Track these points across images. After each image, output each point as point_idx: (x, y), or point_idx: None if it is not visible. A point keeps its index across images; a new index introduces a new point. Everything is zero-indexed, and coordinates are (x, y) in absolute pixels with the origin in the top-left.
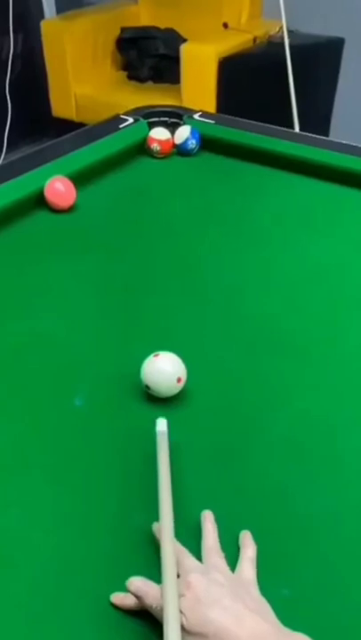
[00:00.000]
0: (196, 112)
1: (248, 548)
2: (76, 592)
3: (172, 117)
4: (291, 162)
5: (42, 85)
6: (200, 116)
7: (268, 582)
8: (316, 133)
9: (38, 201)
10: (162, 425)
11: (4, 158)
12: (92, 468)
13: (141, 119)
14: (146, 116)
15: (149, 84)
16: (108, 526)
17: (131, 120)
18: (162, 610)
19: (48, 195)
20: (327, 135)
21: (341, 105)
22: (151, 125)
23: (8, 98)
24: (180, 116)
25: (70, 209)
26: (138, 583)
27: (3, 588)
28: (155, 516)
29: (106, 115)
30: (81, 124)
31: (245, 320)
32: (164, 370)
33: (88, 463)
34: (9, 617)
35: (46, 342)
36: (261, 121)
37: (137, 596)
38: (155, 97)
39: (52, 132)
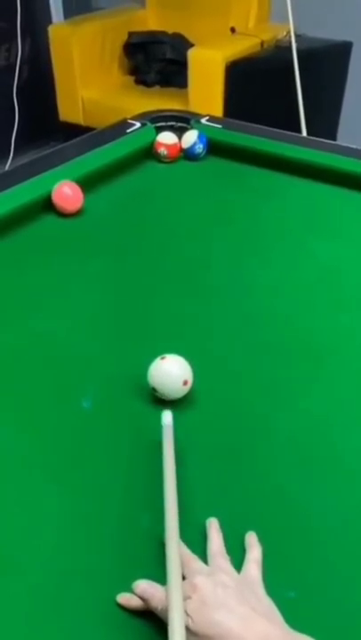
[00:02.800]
0: (203, 116)
1: (254, 549)
2: (81, 593)
3: (180, 122)
4: (298, 166)
5: (49, 90)
6: (207, 120)
7: (274, 585)
8: (324, 137)
9: (46, 205)
10: (167, 418)
11: (12, 162)
12: (97, 470)
13: (149, 124)
14: (153, 121)
15: (156, 88)
16: (113, 528)
17: (138, 124)
18: (167, 612)
19: (56, 199)
20: (335, 139)
21: (349, 109)
22: (158, 130)
23: (15, 102)
24: (187, 121)
25: (78, 213)
26: (144, 586)
27: (6, 588)
28: (161, 517)
29: (113, 119)
30: (88, 128)
31: (252, 322)
32: (171, 372)
33: (94, 465)
34: (11, 617)
35: (53, 343)
36: (269, 125)
37: (143, 599)
38: (162, 101)
39: (58, 136)
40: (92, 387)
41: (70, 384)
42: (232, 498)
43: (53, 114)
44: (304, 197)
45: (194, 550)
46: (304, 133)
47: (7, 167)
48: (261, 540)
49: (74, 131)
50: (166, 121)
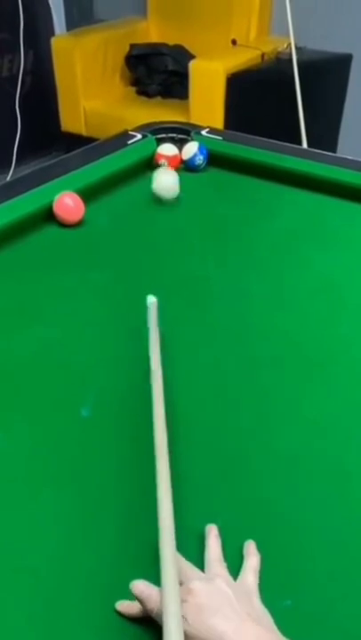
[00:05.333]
0: (203, 128)
1: (252, 557)
2: (79, 599)
3: (180, 133)
4: (298, 178)
5: (51, 100)
6: (208, 132)
7: (270, 593)
8: (324, 149)
9: (48, 216)
10: (151, 299)
11: (14, 172)
12: (96, 477)
13: (149, 135)
14: (154, 132)
15: (158, 99)
16: (110, 535)
17: (139, 136)
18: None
19: (57, 210)
20: (335, 151)
21: (349, 121)
22: (159, 141)
23: (18, 112)
24: (187, 132)
25: (79, 223)
26: (141, 586)
27: (6, 594)
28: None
29: (115, 129)
30: (90, 139)
31: (250, 333)
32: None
33: (93, 473)
34: (11, 623)
35: (53, 352)
36: (269, 137)
37: (139, 600)
38: (163, 112)
39: (60, 147)
40: (91, 396)
41: (70, 393)
42: (228, 506)
43: (55, 124)
44: (304, 209)
45: (190, 556)
46: (305, 145)
47: (9, 176)
48: (259, 549)
49: (76, 141)
50: (167, 132)
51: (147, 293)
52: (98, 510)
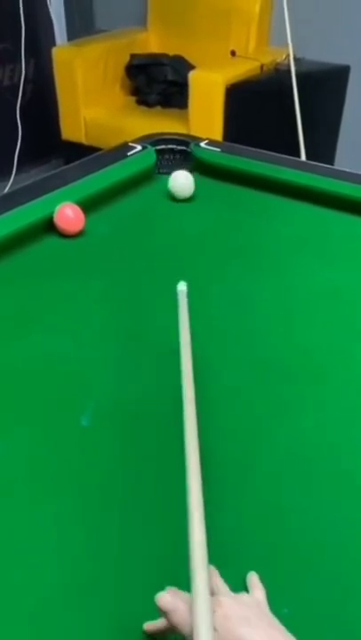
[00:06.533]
0: (202, 140)
1: (257, 590)
2: (84, 614)
3: (179, 145)
4: (296, 190)
5: (52, 109)
6: (206, 143)
7: (268, 600)
8: (322, 159)
9: (48, 226)
10: (182, 286)
11: (14, 179)
12: (96, 485)
13: (149, 147)
14: (153, 144)
15: (158, 108)
16: (115, 543)
17: (139, 147)
18: (191, 626)
19: (57, 221)
20: (333, 161)
21: (347, 131)
22: (159, 153)
23: (19, 121)
24: (186, 144)
25: (79, 234)
26: (167, 598)
27: (8, 606)
28: (161, 531)
29: (115, 138)
30: (90, 147)
31: (250, 341)
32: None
33: (92, 480)
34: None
35: (53, 361)
36: (268, 147)
37: (165, 612)
38: (163, 122)
39: (61, 155)
40: (91, 404)
41: (69, 401)
42: (229, 513)
43: (56, 133)
44: (302, 221)
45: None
46: (303, 156)
47: (9, 184)
48: (257, 554)
49: (76, 150)
50: (166, 144)
51: (146, 302)
52: (99, 516)
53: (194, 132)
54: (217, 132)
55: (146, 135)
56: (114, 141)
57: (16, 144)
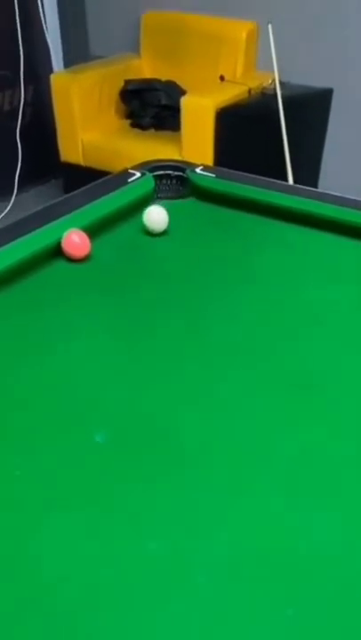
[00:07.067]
0: (197, 166)
1: None
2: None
3: (176, 171)
4: (285, 212)
5: (51, 132)
6: (201, 169)
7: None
8: (307, 180)
9: (56, 252)
10: None
11: (15, 200)
12: (110, 500)
13: (147, 173)
14: (152, 170)
15: (151, 131)
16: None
17: (138, 174)
18: None
19: (65, 246)
20: (317, 180)
21: (330, 153)
22: (157, 179)
23: (19, 143)
24: (182, 170)
25: (85, 258)
26: None
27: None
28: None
29: (111, 160)
30: (88, 168)
31: (248, 359)
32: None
33: (106, 496)
34: None
35: (65, 380)
36: (257, 168)
37: None
38: (156, 144)
39: (60, 175)
40: (104, 421)
41: (83, 419)
42: (231, 524)
43: (55, 154)
44: (291, 241)
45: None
46: (290, 178)
47: (11, 203)
48: (260, 563)
49: (74, 170)
50: (164, 170)
51: (149, 321)
52: (115, 531)
53: (186, 154)
54: (208, 154)
55: (144, 162)
56: (110, 163)
57: (16, 165)
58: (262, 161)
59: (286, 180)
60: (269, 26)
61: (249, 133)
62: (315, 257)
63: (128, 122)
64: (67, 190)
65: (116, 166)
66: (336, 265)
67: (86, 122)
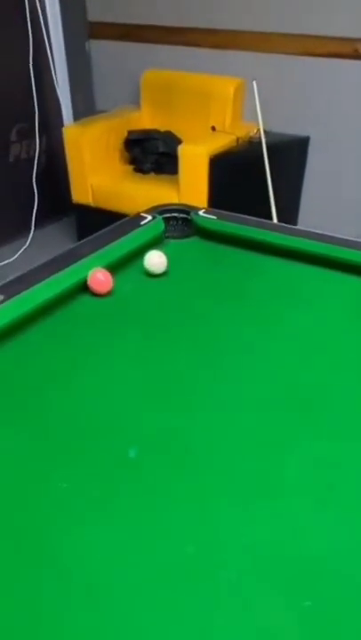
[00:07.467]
0: (200, 209)
1: None
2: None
3: (181, 214)
4: (275, 248)
5: (63, 177)
6: (204, 212)
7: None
8: (288, 218)
9: (83, 288)
10: None
11: (33, 235)
12: (141, 509)
13: (157, 216)
14: (161, 213)
15: (152, 175)
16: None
17: (149, 217)
18: None
19: (91, 283)
20: (297, 216)
21: (308, 194)
22: (166, 221)
23: (35, 187)
24: (187, 213)
25: (109, 294)
26: None
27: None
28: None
29: (117, 200)
30: (97, 208)
31: (258, 384)
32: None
33: (138, 506)
34: None
35: (95, 404)
36: (245, 207)
37: None
38: (156, 187)
39: (72, 214)
40: (134, 438)
41: (115, 436)
42: (255, 527)
43: (67, 196)
44: (281, 273)
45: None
46: (275, 217)
47: (30, 238)
48: (277, 561)
49: (85, 210)
50: (171, 213)
51: (168, 346)
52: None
53: (183, 195)
54: (203, 195)
55: (153, 207)
56: (116, 203)
57: (33, 206)
58: (250, 201)
59: (271, 217)
60: (254, 82)
61: (238, 177)
62: (302, 286)
63: (131, 167)
64: (79, 227)
65: (121, 206)
66: (321, 293)
67: (95, 168)
